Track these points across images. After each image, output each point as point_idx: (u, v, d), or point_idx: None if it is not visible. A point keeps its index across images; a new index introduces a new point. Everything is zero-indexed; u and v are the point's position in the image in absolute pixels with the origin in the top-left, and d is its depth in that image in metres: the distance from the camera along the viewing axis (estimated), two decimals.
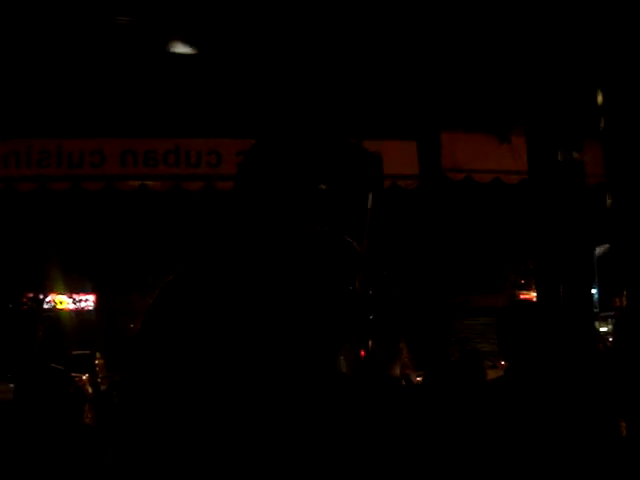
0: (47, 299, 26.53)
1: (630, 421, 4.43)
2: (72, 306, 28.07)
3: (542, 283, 6.10)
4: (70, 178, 8.35)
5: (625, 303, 4.77)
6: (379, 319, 2.05)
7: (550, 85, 6.01)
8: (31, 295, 25.83)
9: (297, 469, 1.74)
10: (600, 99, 5.34)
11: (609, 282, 5.92)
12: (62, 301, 27.71)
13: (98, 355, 22.16)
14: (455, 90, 8.50)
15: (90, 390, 17.95)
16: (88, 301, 28.81)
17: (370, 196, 2.03)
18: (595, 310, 6.97)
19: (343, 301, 1.83)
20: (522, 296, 23.05)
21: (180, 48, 7.41)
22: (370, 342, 1.84)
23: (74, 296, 27.86)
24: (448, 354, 5.72)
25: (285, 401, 1.77)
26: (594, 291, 6.54)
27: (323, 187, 1.94)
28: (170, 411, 1.76)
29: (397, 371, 2.53)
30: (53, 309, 27.05)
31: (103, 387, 19.22)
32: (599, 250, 6.13)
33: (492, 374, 6.55)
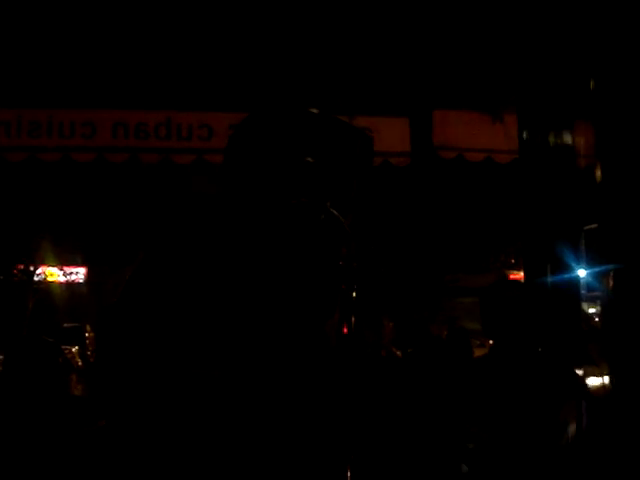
0: (37, 271, 26.46)
1: (617, 399, 4.47)
2: (62, 279, 28.01)
3: (529, 263, 6.12)
4: (61, 149, 8.31)
5: (612, 284, 4.80)
6: (363, 294, 2.06)
7: (543, 65, 6.00)
8: (21, 267, 25.76)
9: (281, 429, 1.76)
10: (592, 82, 5.34)
11: (596, 263, 5.94)
12: (52, 273, 27.64)
13: (88, 328, 22.15)
14: (448, 68, 8.46)
15: (80, 362, 17.96)
16: (79, 274, 28.76)
17: (357, 172, 2.04)
18: (582, 291, 7.01)
19: (325, 273, 1.84)
20: (512, 276, 23.12)
21: (173, 20, 7.36)
22: (353, 317, 1.85)
23: (64, 269, 27.80)
24: (437, 332, 5.77)
25: (270, 372, 1.79)
26: (581, 271, 6.57)
27: (310, 160, 1.94)
28: (157, 378, 1.77)
29: (380, 346, 2.55)
30: (43, 281, 26.98)
31: (93, 359, 19.25)
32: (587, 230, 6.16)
33: (480, 353, 6.61)
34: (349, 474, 1.78)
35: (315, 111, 1.98)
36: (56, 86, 7.93)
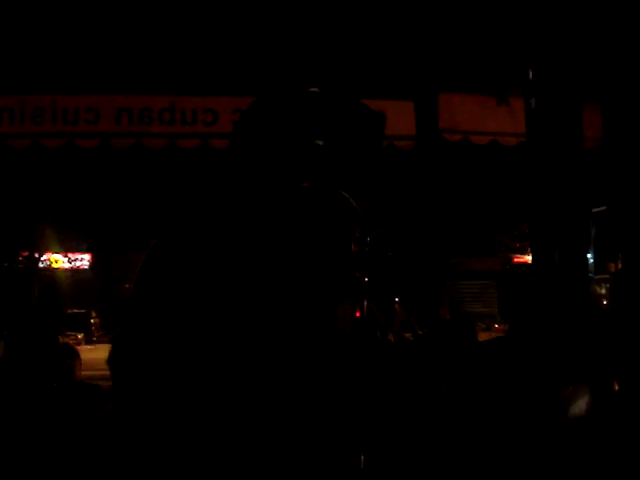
0: (43, 258, 26.49)
1: (625, 383, 4.45)
2: (67, 265, 28.05)
3: (537, 246, 6.10)
4: (64, 135, 8.29)
5: (620, 266, 4.78)
6: (375, 278, 2.04)
7: (550, 47, 5.96)
8: (26, 254, 25.77)
9: (292, 412, 1.75)
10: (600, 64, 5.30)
11: (604, 246, 5.92)
12: (58, 260, 27.68)
13: (94, 314, 22.23)
14: (453, 51, 8.41)
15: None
16: (83, 260, 28.79)
17: (370, 154, 2.01)
18: (590, 274, 6.99)
19: (336, 258, 1.82)
20: (516, 260, 23.11)
21: (177, 4, 7.32)
22: (365, 302, 1.83)
23: (69, 255, 27.84)
24: (441, 316, 5.74)
25: (280, 360, 1.77)
26: (589, 255, 6.54)
27: (320, 143, 1.92)
28: (167, 369, 1.75)
29: (392, 330, 2.54)
30: (49, 268, 27.03)
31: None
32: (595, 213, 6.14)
33: (485, 336, 6.59)
34: (362, 463, 1.77)
35: (323, 92, 1.95)
36: (59, 72, 7.90)
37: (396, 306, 4.27)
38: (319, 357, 1.85)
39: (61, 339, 7.52)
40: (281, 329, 1.82)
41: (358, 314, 1.78)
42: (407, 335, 5.31)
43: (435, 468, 3.83)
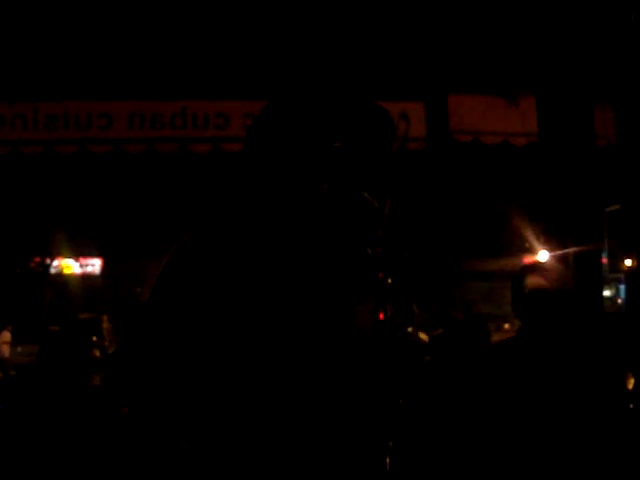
0: (54, 263, 26.57)
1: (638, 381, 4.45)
2: (79, 270, 28.12)
3: (551, 246, 6.09)
4: (77, 141, 8.32)
5: (636, 265, 4.77)
6: (395, 280, 2.05)
7: (562, 46, 5.95)
8: (38, 259, 25.86)
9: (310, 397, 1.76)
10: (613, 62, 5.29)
11: (618, 245, 5.91)
12: (69, 265, 27.75)
13: (105, 319, 22.25)
14: (463, 52, 8.41)
15: (98, 353, 18.07)
16: (95, 265, 28.85)
17: (387, 154, 2.03)
18: (604, 274, 6.98)
19: (356, 259, 1.83)
20: (526, 260, 23.01)
21: (187, 10, 7.34)
22: (388, 303, 1.84)
23: (81, 260, 27.90)
24: (455, 316, 5.76)
25: (301, 358, 1.78)
26: (603, 254, 6.54)
27: (338, 145, 1.93)
28: (188, 368, 1.77)
29: (410, 331, 2.55)
30: (60, 273, 27.09)
31: (110, 350, 19.32)
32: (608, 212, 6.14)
33: (496, 337, 6.58)
34: (388, 461, 1.77)
35: (348, 95, 1.97)
36: (72, 78, 7.93)
37: (414, 307, 4.27)
38: (336, 357, 1.85)
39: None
40: (301, 329, 1.83)
41: (382, 316, 1.79)
42: (422, 335, 5.33)
43: (449, 466, 3.84)
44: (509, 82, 8.75)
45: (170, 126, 8.27)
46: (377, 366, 1.79)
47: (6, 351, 14.01)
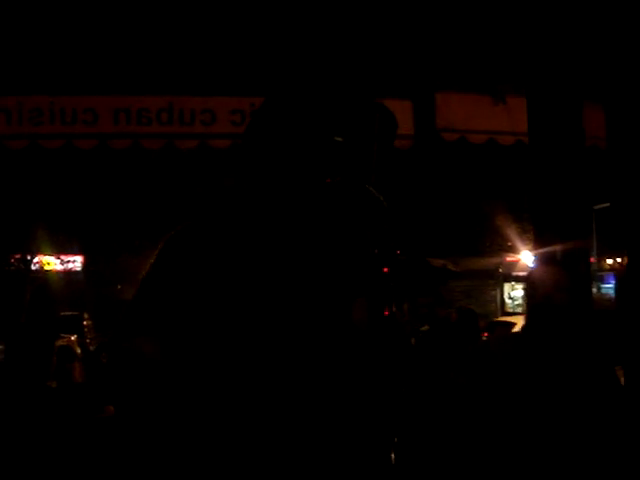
0: (35, 260, 26.37)
1: (631, 376, 4.47)
2: (60, 267, 27.91)
3: (540, 244, 6.10)
4: (62, 136, 8.27)
5: (626, 262, 4.79)
6: (397, 277, 2.03)
7: (551, 45, 5.96)
8: (18, 256, 25.65)
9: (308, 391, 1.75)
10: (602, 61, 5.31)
11: (607, 243, 5.93)
12: (50, 262, 27.54)
13: (86, 316, 22.09)
14: (450, 51, 8.44)
15: (79, 350, 17.96)
16: (76, 262, 28.64)
17: (387, 149, 2.02)
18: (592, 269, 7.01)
19: (359, 254, 1.81)
20: (508, 259, 23.09)
21: (174, 5, 7.31)
22: (392, 301, 1.82)
23: (62, 257, 27.70)
24: (446, 315, 5.77)
25: (300, 355, 1.76)
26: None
27: (339, 139, 1.92)
28: (182, 363, 1.74)
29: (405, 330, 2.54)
30: (41, 270, 26.89)
31: (92, 347, 19.22)
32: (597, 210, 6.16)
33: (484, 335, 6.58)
34: (393, 456, 1.76)
35: (339, 90, 1.96)
36: (57, 73, 7.88)
37: (405, 306, 4.29)
38: (332, 352, 1.84)
39: (61, 342, 7.50)
40: (296, 324, 1.82)
41: (387, 312, 1.77)
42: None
43: (445, 463, 3.85)
44: (496, 80, 8.78)
45: (156, 121, 8.23)
46: (379, 362, 1.78)
47: None
